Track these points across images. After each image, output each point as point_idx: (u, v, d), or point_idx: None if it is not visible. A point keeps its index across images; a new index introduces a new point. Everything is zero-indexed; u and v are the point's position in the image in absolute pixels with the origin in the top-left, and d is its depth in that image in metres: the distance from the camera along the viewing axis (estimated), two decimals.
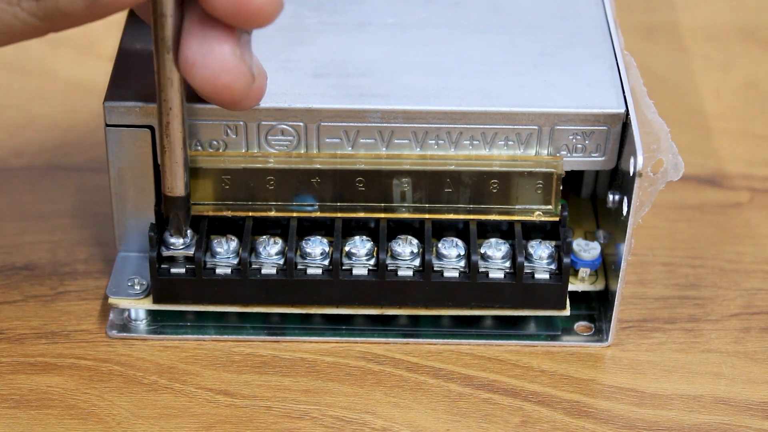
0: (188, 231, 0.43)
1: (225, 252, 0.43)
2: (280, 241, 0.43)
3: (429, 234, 0.43)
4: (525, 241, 0.44)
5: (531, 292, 0.43)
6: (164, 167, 0.41)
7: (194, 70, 0.38)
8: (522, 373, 0.44)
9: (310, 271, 0.43)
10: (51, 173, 0.51)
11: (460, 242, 0.43)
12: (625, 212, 0.42)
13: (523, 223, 0.44)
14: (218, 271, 0.43)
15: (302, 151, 0.43)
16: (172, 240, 0.43)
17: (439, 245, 0.43)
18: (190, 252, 0.43)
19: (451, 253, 0.43)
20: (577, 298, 0.45)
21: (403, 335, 0.45)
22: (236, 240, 0.43)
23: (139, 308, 0.44)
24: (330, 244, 0.44)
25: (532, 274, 0.43)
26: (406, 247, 0.43)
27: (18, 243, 0.48)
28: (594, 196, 0.48)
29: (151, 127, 0.42)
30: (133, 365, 0.43)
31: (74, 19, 0.36)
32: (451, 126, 0.42)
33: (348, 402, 0.42)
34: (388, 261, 0.43)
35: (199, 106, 0.42)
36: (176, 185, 0.41)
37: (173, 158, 0.41)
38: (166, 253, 0.43)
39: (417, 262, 0.43)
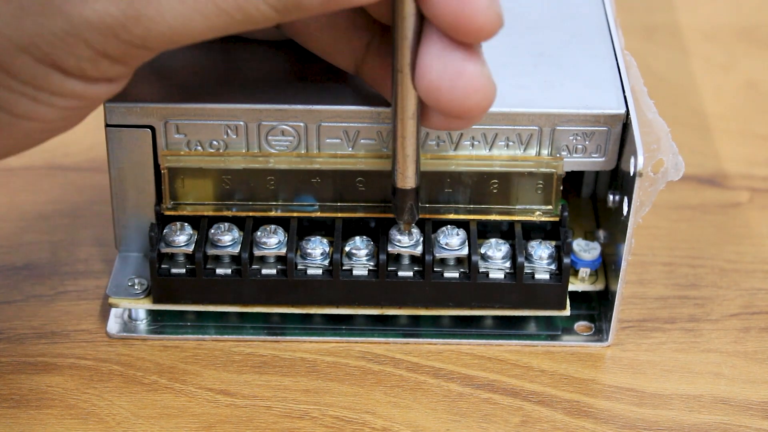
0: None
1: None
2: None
3: (429, 234, 0.43)
4: (525, 242, 0.44)
5: (531, 293, 0.43)
6: (397, 161, 0.40)
7: (440, 94, 0.37)
8: (522, 373, 0.44)
9: (310, 271, 0.43)
10: (51, 173, 0.51)
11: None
12: (625, 212, 0.42)
13: (524, 223, 0.44)
14: (218, 271, 0.43)
15: (302, 151, 0.43)
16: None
17: None
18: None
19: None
20: (577, 298, 0.45)
21: (403, 335, 0.45)
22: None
23: (139, 308, 0.44)
24: (330, 244, 0.44)
25: (532, 274, 0.43)
26: None
27: (18, 243, 0.48)
28: (594, 196, 0.48)
29: (151, 127, 0.42)
30: (133, 365, 0.43)
31: (307, 11, 0.35)
32: None
33: (348, 402, 0.42)
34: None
35: (200, 105, 0.42)
36: (409, 177, 0.41)
37: (406, 152, 0.40)
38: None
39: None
